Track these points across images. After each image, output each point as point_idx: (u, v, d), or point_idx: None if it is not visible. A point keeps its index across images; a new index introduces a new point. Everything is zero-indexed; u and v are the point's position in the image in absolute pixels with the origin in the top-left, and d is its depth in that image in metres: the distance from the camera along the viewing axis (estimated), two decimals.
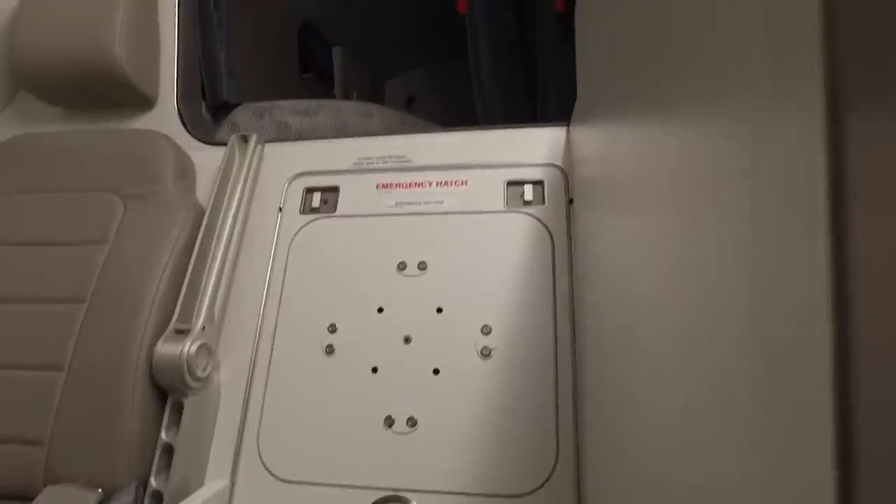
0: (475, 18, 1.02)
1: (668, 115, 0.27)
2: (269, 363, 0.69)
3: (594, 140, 0.54)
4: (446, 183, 0.75)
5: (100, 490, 0.60)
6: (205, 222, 0.73)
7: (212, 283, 0.69)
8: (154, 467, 0.62)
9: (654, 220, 0.30)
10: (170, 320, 0.66)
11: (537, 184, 0.74)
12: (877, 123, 0.12)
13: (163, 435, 0.63)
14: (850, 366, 0.13)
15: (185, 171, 0.81)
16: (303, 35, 1.58)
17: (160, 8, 0.91)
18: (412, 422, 0.63)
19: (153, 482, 0.62)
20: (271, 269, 0.74)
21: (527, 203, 0.73)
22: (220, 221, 0.73)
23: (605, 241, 0.47)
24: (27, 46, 0.83)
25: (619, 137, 0.41)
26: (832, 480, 0.13)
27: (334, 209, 0.77)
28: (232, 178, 0.77)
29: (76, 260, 0.71)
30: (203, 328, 0.66)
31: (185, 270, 0.70)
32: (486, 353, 0.65)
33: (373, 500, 0.60)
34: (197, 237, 0.72)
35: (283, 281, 0.73)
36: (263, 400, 0.67)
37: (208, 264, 0.69)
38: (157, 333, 0.65)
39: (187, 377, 0.62)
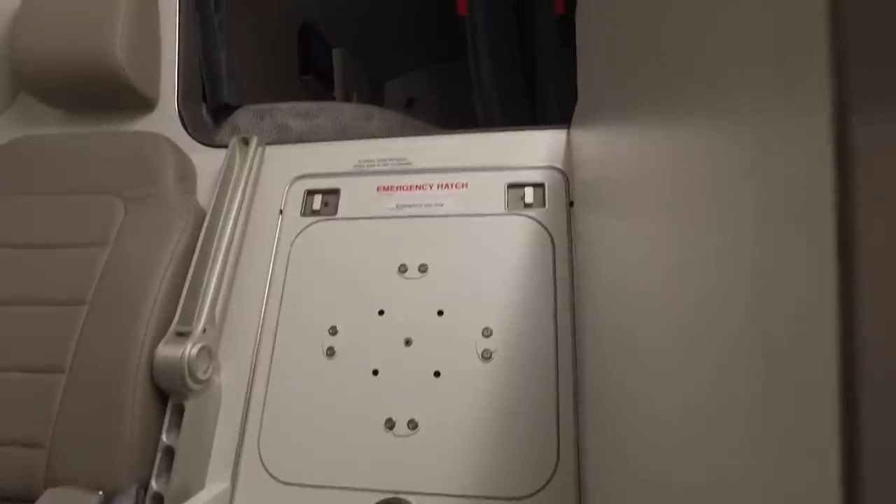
0: (475, 20, 1.03)
1: (670, 118, 0.27)
2: (270, 365, 0.69)
3: (595, 142, 0.54)
4: (447, 185, 0.75)
5: (100, 492, 0.60)
6: (206, 224, 0.73)
7: (213, 286, 0.69)
8: (155, 470, 0.62)
9: (655, 222, 0.30)
10: (170, 323, 0.66)
11: (538, 186, 0.74)
12: (882, 126, 0.12)
13: (163, 437, 0.63)
14: (855, 366, 0.13)
15: (186, 174, 0.81)
16: (303, 36, 1.58)
17: (161, 10, 0.91)
18: (413, 424, 0.63)
19: (154, 484, 0.62)
20: (272, 271, 0.74)
21: (527, 206, 0.73)
22: (220, 224, 0.73)
23: (606, 243, 0.47)
24: (28, 48, 0.83)
25: (620, 140, 0.41)
26: (836, 481, 0.13)
27: (335, 211, 0.77)
28: (233, 180, 0.77)
29: (77, 262, 0.71)
30: (204, 330, 0.66)
31: (186, 273, 0.70)
32: (486, 356, 0.65)
33: (374, 503, 0.60)
34: (198, 239, 0.72)
35: (284, 283, 0.73)
36: (264, 402, 0.67)
37: (209, 266, 0.69)
38: (158, 336, 0.66)
39: (188, 380, 0.62)
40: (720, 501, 0.20)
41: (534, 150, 0.76)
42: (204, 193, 0.81)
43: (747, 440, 0.18)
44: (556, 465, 0.59)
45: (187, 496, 0.62)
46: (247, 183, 0.77)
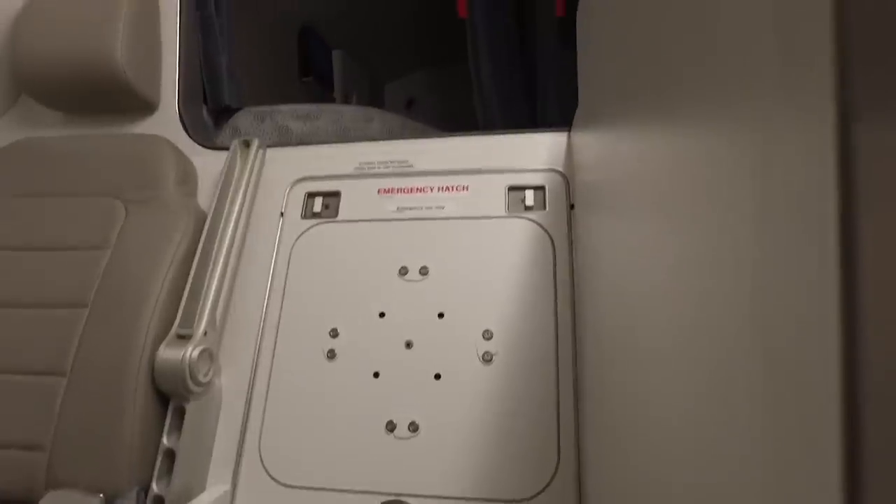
0: (475, 22, 1.03)
1: (672, 121, 0.27)
2: (271, 367, 0.69)
3: (596, 145, 0.55)
4: (447, 188, 0.76)
5: (101, 495, 0.60)
6: (206, 227, 0.73)
7: (213, 288, 0.69)
8: (155, 472, 0.62)
9: (657, 224, 0.30)
10: (171, 325, 0.66)
11: (538, 189, 0.74)
12: (885, 128, 0.12)
13: (164, 440, 0.63)
14: (856, 366, 0.13)
15: (187, 176, 0.81)
16: (303, 38, 1.59)
17: (161, 12, 0.91)
18: (414, 426, 0.63)
19: (155, 487, 0.62)
20: (273, 273, 0.74)
21: (528, 208, 0.73)
22: (221, 226, 0.73)
23: (607, 246, 0.47)
24: (29, 51, 0.84)
25: (621, 142, 0.41)
26: (837, 481, 0.13)
27: (336, 214, 0.77)
28: (234, 182, 0.77)
29: (78, 264, 0.71)
30: (205, 333, 0.66)
31: (187, 275, 0.70)
32: (487, 358, 0.65)
33: None
34: (199, 242, 0.72)
35: (285, 285, 0.73)
36: (265, 404, 0.67)
37: (210, 269, 0.70)
38: (159, 338, 0.66)
39: (189, 382, 0.63)
40: (720, 501, 0.20)
41: (534, 152, 0.76)
42: (204, 195, 0.81)
43: (748, 441, 0.18)
44: (557, 468, 0.59)
45: (188, 499, 0.62)
46: (248, 185, 0.77)
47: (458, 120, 1.20)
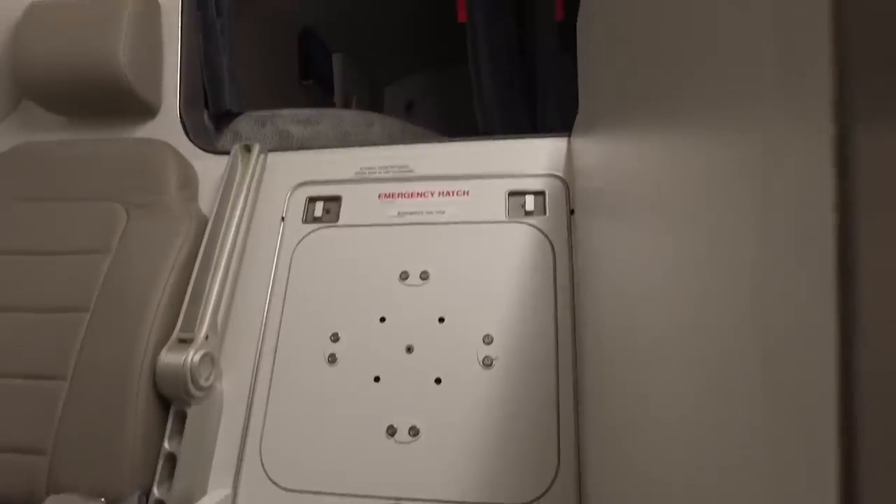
0: (475, 26, 1.03)
1: (672, 125, 0.27)
2: (272, 372, 0.69)
3: (596, 150, 0.55)
4: (448, 193, 0.76)
5: (102, 499, 0.60)
6: (208, 231, 0.73)
7: (215, 293, 0.69)
8: (157, 476, 0.62)
9: (657, 228, 0.30)
10: (173, 329, 0.67)
11: (538, 194, 0.74)
12: (884, 131, 0.12)
13: (165, 444, 0.63)
14: (854, 366, 0.13)
15: (188, 180, 0.81)
16: (303, 41, 1.59)
17: (163, 16, 0.91)
18: (414, 431, 0.63)
19: (156, 491, 0.62)
20: (274, 278, 0.74)
21: (528, 213, 0.73)
22: (223, 230, 0.73)
23: (607, 251, 0.48)
24: (30, 55, 0.84)
25: (622, 147, 0.41)
26: (834, 480, 0.13)
27: (336, 218, 0.77)
28: (235, 187, 0.77)
29: (79, 269, 0.71)
30: (206, 337, 0.66)
31: (188, 280, 0.70)
32: (487, 363, 0.65)
33: None
34: (200, 246, 0.72)
35: (286, 290, 0.73)
36: (266, 409, 0.67)
37: (211, 273, 0.70)
38: (161, 343, 0.66)
39: (190, 386, 0.63)
40: (720, 501, 0.20)
41: (535, 157, 0.76)
42: (206, 200, 0.81)
43: (747, 441, 0.18)
44: (557, 471, 0.60)
45: (189, 503, 0.62)
46: (249, 190, 0.77)
47: (457, 122, 1.20)
